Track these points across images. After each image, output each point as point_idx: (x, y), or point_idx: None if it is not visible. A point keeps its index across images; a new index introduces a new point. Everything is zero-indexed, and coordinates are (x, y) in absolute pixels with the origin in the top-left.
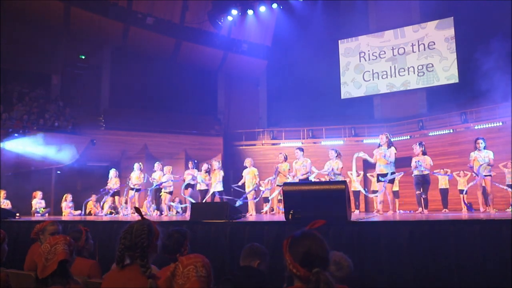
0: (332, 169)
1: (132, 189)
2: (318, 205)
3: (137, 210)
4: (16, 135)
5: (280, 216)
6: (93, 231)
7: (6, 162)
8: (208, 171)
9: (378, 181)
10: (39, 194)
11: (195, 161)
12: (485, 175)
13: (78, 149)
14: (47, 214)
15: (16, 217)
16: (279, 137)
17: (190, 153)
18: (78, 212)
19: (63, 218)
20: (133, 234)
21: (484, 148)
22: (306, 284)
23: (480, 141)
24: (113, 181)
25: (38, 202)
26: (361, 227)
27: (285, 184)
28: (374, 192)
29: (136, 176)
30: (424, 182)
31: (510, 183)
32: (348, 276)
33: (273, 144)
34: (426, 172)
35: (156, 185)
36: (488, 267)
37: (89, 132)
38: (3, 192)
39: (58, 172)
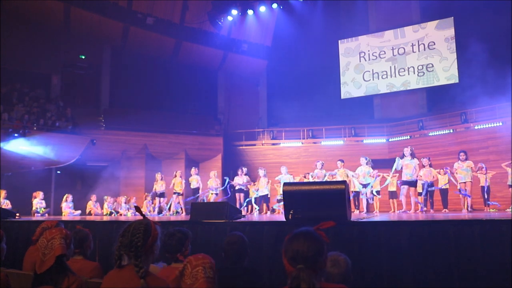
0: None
1: (175, 193)
2: (318, 205)
3: (137, 209)
4: (16, 135)
5: (280, 216)
6: (93, 231)
7: (6, 162)
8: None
9: (403, 184)
10: (40, 194)
11: (244, 168)
12: (467, 181)
13: (78, 149)
14: (47, 214)
15: (16, 217)
16: (279, 137)
17: (190, 153)
18: (78, 212)
19: (63, 218)
20: (130, 233)
21: (466, 159)
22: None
23: (462, 153)
24: (159, 184)
25: (39, 202)
26: (361, 227)
27: (285, 184)
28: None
29: (178, 182)
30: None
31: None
32: (345, 272)
33: (273, 144)
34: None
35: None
36: (488, 267)
37: (89, 132)
38: (3, 192)
39: (58, 172)
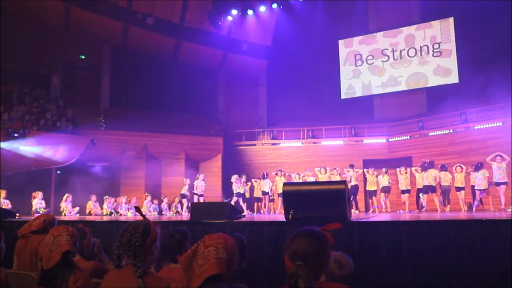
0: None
1: (196, 194)
2: (318, 205)
3: (137, 209)
4: (16, 135)
5: (280, 216)
6: (93, 231)
7: (6, 162)
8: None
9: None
10: (39, 194)
11: (266, 173)
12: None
13: (78, 149)
14: None
15: (16, 217)
16: (279, 137)
17: (190, 153)
18: (77, 208)
19: (63, 217)
20: (129, 233)
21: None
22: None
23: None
24: (186, 187)
25: (38, 203)
26: (361, 227)
27: (285, 184)
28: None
29: (201, 185)
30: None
31: (499, 181)
32: (349, 275)
33: (273, 144)
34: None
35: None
36: (488, 267)
37: (89, 132)
38: (3, 192)
39: (58, 172)
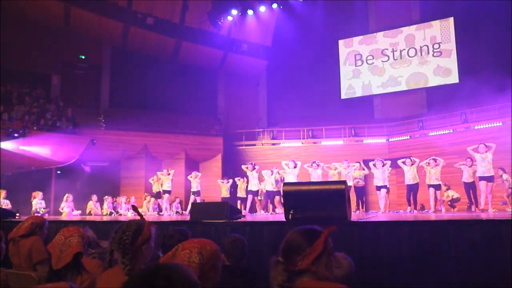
0: None
1: (165, 192)
2: (318, 205)
3: (134, 208)
4: (16, 135)
5: (280, 216)
6: (93, 231)
7: (6, 162)
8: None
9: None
10: (39, 194)
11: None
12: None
13: (78, 149)
14: (47, 214)
15: (16, 217)
16: (279, 137)
17: (190, 153)
18: (79, 212)
19: (63, 218)
20: (121, 230)
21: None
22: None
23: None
24: (156, 185)
25: (38, 203)
26: (361, 227)
27: (285, 184)
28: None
29: (167, 180)
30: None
31: (484, 175)
32: (348, 275)
33: (273, 144)
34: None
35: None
36: (488, 267)
37: (89, 132)
38: (3, 192)
39: (58, 172)
